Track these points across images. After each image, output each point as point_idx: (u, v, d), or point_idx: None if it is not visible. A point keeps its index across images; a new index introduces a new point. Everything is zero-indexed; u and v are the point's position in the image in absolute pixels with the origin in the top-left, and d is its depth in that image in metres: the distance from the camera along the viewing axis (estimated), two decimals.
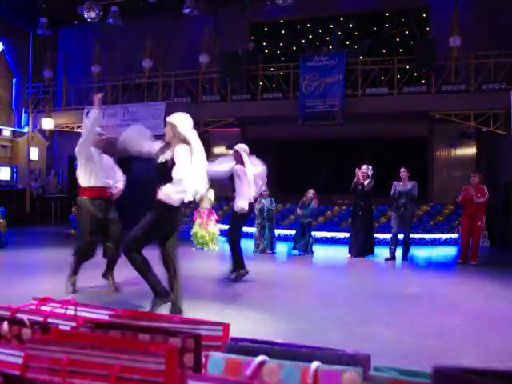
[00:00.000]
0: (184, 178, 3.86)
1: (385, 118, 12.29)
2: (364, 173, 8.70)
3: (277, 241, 9.78)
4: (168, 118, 4.15)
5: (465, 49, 11.27)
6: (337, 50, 12.32)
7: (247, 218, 6.38)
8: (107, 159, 5.50)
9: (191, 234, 9.70)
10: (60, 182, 15.60)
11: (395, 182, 8.56)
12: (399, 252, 8.55)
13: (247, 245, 10.15)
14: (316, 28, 14.92)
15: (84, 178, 5.14)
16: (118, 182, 5.53)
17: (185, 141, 4.02)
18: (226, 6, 13.00)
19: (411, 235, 9.07)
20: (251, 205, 6.17)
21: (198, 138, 4.11)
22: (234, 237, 6.30)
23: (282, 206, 11.60)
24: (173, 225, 4.19)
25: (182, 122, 4.10)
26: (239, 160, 6.06)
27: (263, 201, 9.35)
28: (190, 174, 3.88)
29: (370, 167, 8.81)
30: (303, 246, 9.19)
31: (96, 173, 5.15)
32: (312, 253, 9.16)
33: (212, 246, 9.49)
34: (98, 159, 5.21)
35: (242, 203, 5.94)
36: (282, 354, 1.22)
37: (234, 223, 6.32)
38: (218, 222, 9.98)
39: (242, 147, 6.17)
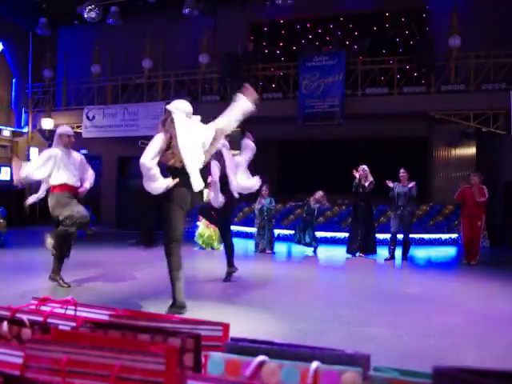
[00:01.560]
0: (141, 163, 3.92)
1: (385, 118, 12.29)
2: (363, 173, 8.70)
3: (276, 241, 9.78)
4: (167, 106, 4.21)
5: (464, 49, 11.28)
6: (337, 50, 12.32)
7: (229, 212, 6.31)
8: (77, 157, 5.71)
9: (197, 234, 9.62)
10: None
11: (395, 183, 8.56)
12: (399, 252, 8.56)
13: (247, 245, 10.16)
14: (316, 28, 14.91)
15: (54, 177, 5.41)
16: (86, 180, 5.78)
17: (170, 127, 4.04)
18: (226, 6, 13.00)
19: (411, 235, 9.07)
20: (230, 200, 6.07)
21: (187, 125, 4.09)
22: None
23: (281, 206, 11.60)
24: (165, 215, 4.13)
25: (177, 107, 4.13)
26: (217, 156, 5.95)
27: (263, 201, 9.35)
28: (147, 159, 3.90)
29: (366, 167, 8.78)
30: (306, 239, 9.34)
31: (64, 171, 5.42)
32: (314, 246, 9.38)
33: (217, 246, 9.46)
34: (65, 159, 5.46)
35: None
36: (282, 354, 1.22)
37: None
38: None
39: (222, 142, 6.11)
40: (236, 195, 6.01)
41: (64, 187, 5.44)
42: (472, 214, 8.16)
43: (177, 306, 4.14)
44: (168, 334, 1.40)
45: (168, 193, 4.04)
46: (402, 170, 8.53)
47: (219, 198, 5.84)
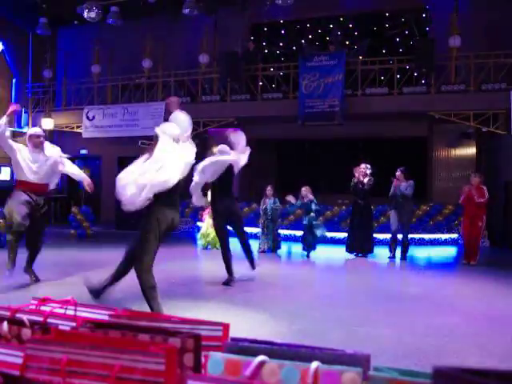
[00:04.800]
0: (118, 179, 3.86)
1: (385, 118, 12.29)
2: (363, 171, 8.73)
3: (280, 240, 9.71)
4: (156, 128, 4.15)
5: (464, 49, 11.28)
6: (337, 50, 12.32)
7: (223, 217, 6.17)
8: (48, 160, 5.69)
9: (201, 234, 9.58)
10: (59, 182, 15.58)
11: (394, 182, 8.62)
12: (398, 252, 8.58)
13: (250, 245, 10.15)
14: (316, 28, 14.93)
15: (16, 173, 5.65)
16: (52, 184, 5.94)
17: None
18: (226, 6, 13.00)
19: (410, 235, 9.06)
20: (226, 205, 6.03)
21: (179, 149, 4.05)
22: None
23: (281, 206, 11.59)
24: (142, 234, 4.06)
25: (166, 131, 4.07)
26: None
27: (267, 201, 9.35)
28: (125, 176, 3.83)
29: (369, 166, 8.83)
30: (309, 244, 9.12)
31: (24, 169, 5.51)
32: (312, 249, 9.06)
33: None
34: (30, 157, 5.53)
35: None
36: (282, 354, 1.22)
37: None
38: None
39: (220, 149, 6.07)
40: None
41: (25, 185, 5.53)
42: (472, 215, 8.16)
43: None
44: (168, 334, 1.40)
45: (149, 210, 3.94)
46: (397, 170, 8.61)
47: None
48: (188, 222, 12.64)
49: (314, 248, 8.85)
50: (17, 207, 5.40)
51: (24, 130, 14.98)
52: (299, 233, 9.75)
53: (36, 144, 5.61)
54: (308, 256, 8.77)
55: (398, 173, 8.56)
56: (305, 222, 8.94)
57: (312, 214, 8.86)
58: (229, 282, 5.91)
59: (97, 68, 14.69)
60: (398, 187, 8.51)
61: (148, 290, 4.00)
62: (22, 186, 5.56)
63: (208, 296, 5.35)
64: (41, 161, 5.63)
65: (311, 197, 8.88)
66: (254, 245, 9.49)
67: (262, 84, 12.75)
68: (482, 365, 3.17)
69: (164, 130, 4.08)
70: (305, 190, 8.92)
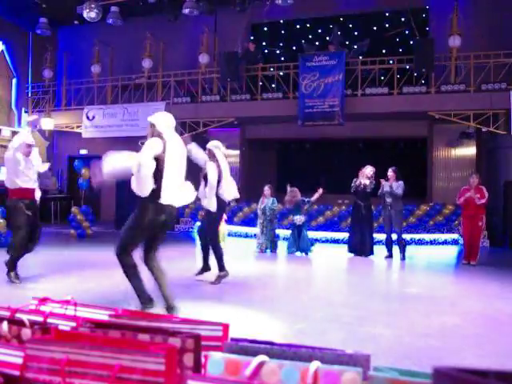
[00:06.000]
0: (136, 165, 3.85)
1: (385, 118, 12.29)
2: (369, 174, 8.76)
3: (277, 240, 9.73)
4: (148, 118, 4.19)
5: (464, 49, 11.28)
6: (337, 50, 12.31)
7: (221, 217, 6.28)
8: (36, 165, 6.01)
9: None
10: (59, 182, 15.59)
11: (384, 182, 8.65)
12: (396, 252, 8.60)
13: (248, 245, 10.17)
14: (316, 28, 14.93)
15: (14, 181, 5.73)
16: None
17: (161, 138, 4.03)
18: (226, 6, 13.00)
19: (411, 235, 9.04)
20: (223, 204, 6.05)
21: (176, 139, 4.11)
22: (214, 237, 6.10)
23: (281, 206, 11.60)
24: (148, 224, 4.05)
25: (161, 120, 4.12)
26: (212, 158, 5.88)
27: (265, 200, 9.35)
28: (143, 164, 3.84)
29: (374, 169, 8.87)
30: (299, 247, 9.13)
31: (23, 176, 5.71)
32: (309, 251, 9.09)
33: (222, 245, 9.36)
34: (25, 164, 5.73)
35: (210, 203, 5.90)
36: (282, 354, 1.22)
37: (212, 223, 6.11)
38: (226, 221, 9.79)
39: (215, 144, 6.00)
40: (226, 199, 6.03)
41: (22, 192, 5.69)
42: (472, 215, 8.16)
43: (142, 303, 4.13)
44: (168, 334, 1.40)
45: (147, 201, 3.96)
46: (389, 170, 8.63)
47: (214, 201, 5.80)
48: (188, 221, 12.65)
49: (306, 250, 9.02)
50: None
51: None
52: None
53: (27, 152, 5.81)
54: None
55: (389, 173, 8.61)
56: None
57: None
58: (220, 277, 5.96)
59: (97, 68, 14.69)
60: (383, 186, 8.56)
61: (127, 269, 4.10)
62: (21, 193, 5.69)
63: (208, 296, 5.35)
64: (32, 167, 5.89)
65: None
66: (251, 245, 9.53)
67: (261, 84, 12.75)
68: (481, 365, 3.18)
69: (159, 119, 4.12)
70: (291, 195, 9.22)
